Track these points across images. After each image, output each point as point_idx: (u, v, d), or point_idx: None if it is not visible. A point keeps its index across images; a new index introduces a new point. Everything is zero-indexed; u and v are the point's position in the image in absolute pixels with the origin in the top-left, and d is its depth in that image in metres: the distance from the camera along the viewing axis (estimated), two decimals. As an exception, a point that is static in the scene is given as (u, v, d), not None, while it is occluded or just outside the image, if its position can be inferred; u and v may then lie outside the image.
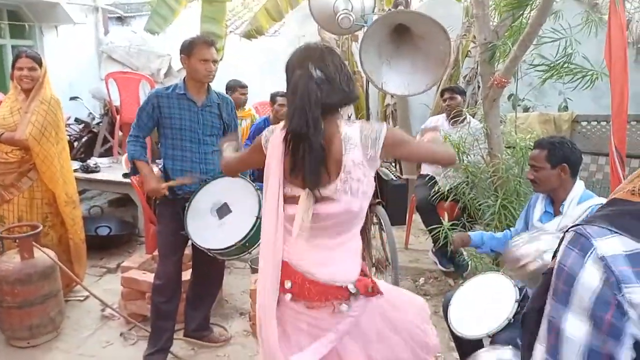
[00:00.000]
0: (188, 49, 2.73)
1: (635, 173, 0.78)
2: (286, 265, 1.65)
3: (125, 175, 3.38)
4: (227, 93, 5.04)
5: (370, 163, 1.60)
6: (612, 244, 0.71)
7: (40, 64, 3.35)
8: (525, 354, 0.82)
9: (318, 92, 1.53)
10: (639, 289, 0.67)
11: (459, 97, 4.24)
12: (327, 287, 1.62)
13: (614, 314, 0.68)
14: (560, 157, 2.32)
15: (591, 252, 0.72)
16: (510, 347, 1.94)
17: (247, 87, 5.19)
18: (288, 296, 1.65)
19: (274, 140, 1.63)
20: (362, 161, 1.58)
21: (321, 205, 1.60)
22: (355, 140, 1.58)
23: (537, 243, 2.02)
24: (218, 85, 3.00)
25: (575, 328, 0.71)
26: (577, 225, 0.76)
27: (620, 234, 0.71)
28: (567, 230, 0.79)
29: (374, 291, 1.66)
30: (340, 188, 1.58)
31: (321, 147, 1.54)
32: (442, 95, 4.39)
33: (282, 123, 1.64)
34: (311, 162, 1.55)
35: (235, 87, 5.09)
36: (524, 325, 0.84)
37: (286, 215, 1.64)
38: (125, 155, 4.14)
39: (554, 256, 0.81)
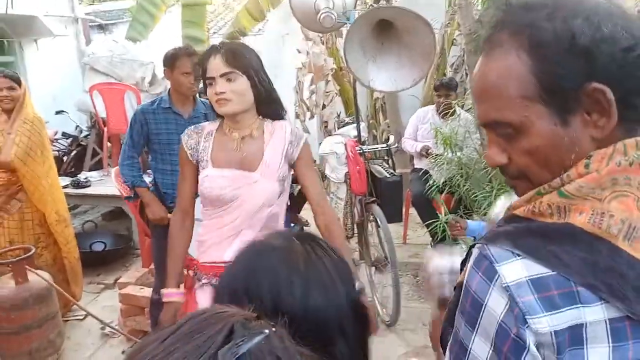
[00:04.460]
0: (170, 62, 2.68)
1: (531, 192, 0.74)
2: None
3: (128, 199, 3.41)
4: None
5: None
6: (516, 269, 0.68)
7: (19, 83, 3.29)
8: None
9: None
10: (544, 318, 0.65)
11: (453, 94, 4.21)
12: None
13: (511, 346, 0.67)
14: None
15: (496, 280, 0.69)
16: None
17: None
18: None
19: None
20: None
21: None
22: None
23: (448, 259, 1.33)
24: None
25: (481, 350, 0.71)
26: (481, 242, 0.73)
27: (524, 257, 0.68)
28: (474, 245, 0.76)
29: None
30: None
31: None
32: (436, 90, 4.33)
33: None
34: None
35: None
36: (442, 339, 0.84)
37: None
38: (116, 168, 4.07)
39: (461, 268, 0.79)
